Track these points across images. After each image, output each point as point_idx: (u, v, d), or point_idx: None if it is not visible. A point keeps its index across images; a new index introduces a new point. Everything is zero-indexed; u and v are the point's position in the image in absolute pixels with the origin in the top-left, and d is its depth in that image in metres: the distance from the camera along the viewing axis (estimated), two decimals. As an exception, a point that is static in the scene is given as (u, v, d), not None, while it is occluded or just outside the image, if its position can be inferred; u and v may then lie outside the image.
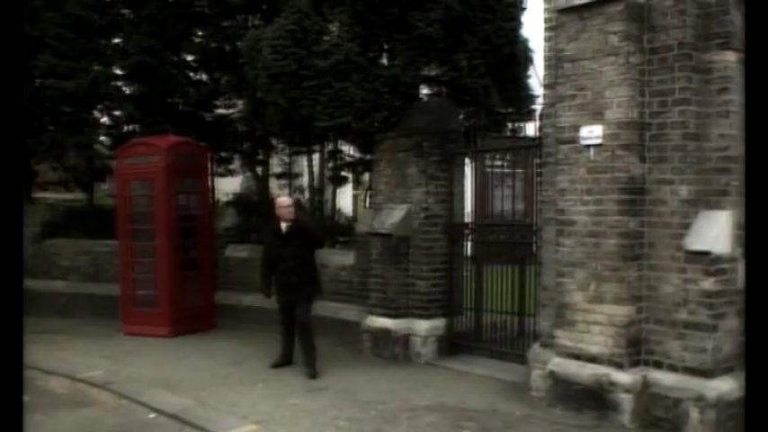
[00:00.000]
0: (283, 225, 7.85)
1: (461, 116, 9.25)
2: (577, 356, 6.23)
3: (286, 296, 7.89)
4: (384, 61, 8.98)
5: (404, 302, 8.60)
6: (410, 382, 7.46)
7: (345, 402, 6.67)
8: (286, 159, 13.72)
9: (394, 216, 8.60)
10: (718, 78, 5.80)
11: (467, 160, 8.94)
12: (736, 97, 5.77)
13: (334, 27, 8.73)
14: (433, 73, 9.26)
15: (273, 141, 12.56)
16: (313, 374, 7.55)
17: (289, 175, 13.72)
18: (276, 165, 13.83)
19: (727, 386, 5.69)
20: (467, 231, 8.73)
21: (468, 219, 8.91)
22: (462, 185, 8.89)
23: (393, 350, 8.51)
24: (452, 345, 8.57)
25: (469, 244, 8.93)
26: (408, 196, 8.60)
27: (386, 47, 8.94)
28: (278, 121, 9.18)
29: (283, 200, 8.14)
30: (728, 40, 5.75)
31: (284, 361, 8.02)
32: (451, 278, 8.67)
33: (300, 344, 7.84)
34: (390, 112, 8.50)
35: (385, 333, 8.58)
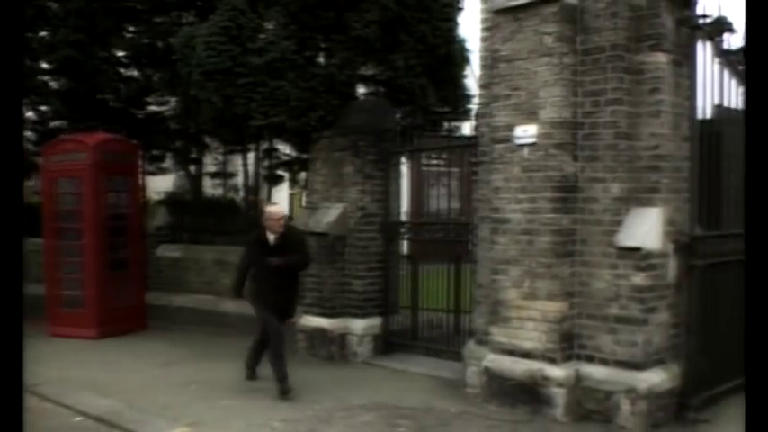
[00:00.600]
0: (271, 237, 7.06)
1: (398, 115, 9.28)
2: (512, 352, 6.31)
3: (268, 311, 7.04)
4: (321, 60, 8.94)
5: (340, 302, 8.58)
6: (346, 381, 7.44)
7: (280, 402, 6.61)
8: (220, 158, 13.54)
9: (330, 215, 8.56)
10: (649, 79, 5.95)
11: (403, 159, 8.98)
12: (666, 97, 5.94)
13: (270, 25, 8.65)
14: (370, 72, 9.27)
15: (207, 140, 12.40)
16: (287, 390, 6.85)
17: (223, 174, 13.54)
18: (210, 163, 13.63)
19: (657, 378, 5.84)
20: (403, 230, 8.76)
21: (404, 218, 8.94)
22: (398, 184, 8.92)
23: (329, 350, 8.47)
24: (389, 343, 8.58)
25: (406, 243, 8.97)
26: (344, 195, 8.58)
27: (322, 46, 8.91)
28: (211, 119, 9.05)
29: (274, 211, 7.20)
30: (659, 41, 5.92)
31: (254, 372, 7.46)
32: (387, 277, 8.68)
33: (270, 357, 7.09)
34: (326, 112, 8.47)
35: (321, 332, 8.53)
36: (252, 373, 7.42)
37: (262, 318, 7.12)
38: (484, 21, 6.82)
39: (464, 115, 9.75)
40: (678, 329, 6.12)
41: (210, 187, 13.49)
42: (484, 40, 6.86)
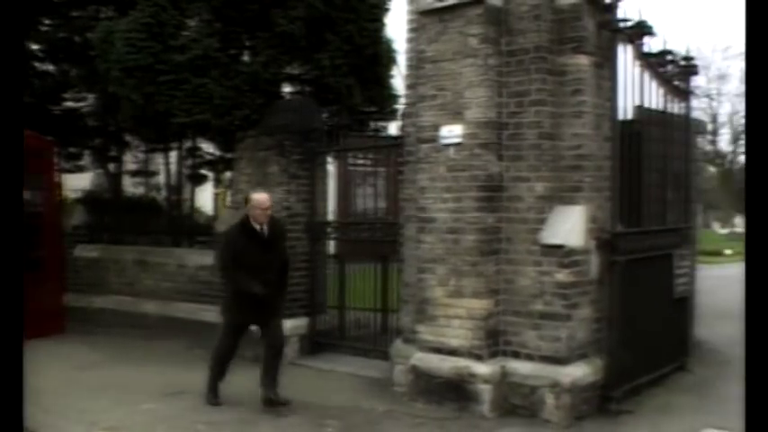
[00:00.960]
0: (257, 226, 6.37)
1: (324, 115, 9.24)
2: (438, 350, 6.36)
3: (257, 314, 6.40)
4: (245, 58, 8.83)
5: (265, 302, 8.47)
6: (272, 382, 7.36)
7: (204, 406, 6.49)
8: (141, 156, 13.20)
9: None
10: (571, 80, 6.10)
11: (329, 159, 8.95)
12: (588, 98, 6.09)
13: (193, 22, 8.50)
14: (296, 71, 9.20)
15: (128, 137, 12.06)
16: (276, 397, 6.41)
17: (144, 173, 13.21)
18: (131, 162, 13.27)
19: (580, 372, 5.99)
20: (329, 230, 8.72)
21: (330, 217, 8.90)
22: (325, 184, 8.88)
23: (254, 351, 8.34)
24: (316, 344, 8.54)
25: (333, 243, 8.93)
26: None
27: (247, 44, 8.80)
28: (132, 117, 8.85)
29: (263, 199, 6.43)
30: (581, 44, 6.07)
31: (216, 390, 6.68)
32: (314, 277, 8.63)
33: (268, 366, 6.46)
34: (251, 110, 8.37)
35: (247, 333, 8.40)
36: (275, 393, 6.44)
37: (231, 325, 6.57)
38: (410, 22, 6.85)
39: (391, 115, 9.77)
40: (600, 324, 6.29)
41: (131, 186, 13.14)
42: (410, 40, 6.90)
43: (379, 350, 7.81)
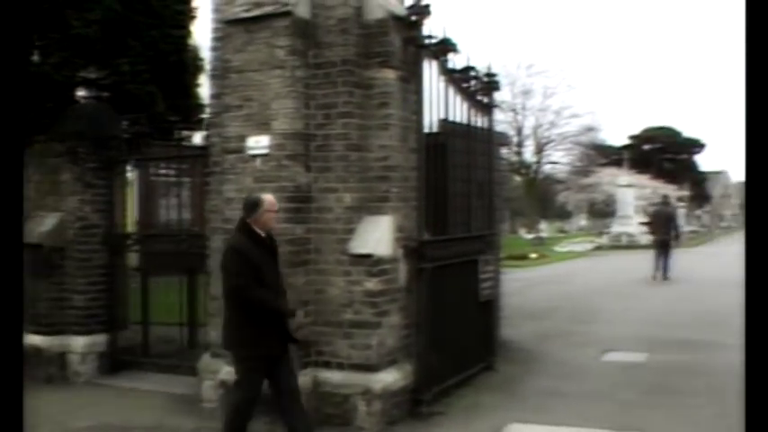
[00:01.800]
0: (263, 234, 5.29)
1: (125, 122, 8.83)
2: (250, 364, 6.26)
3: (283, 343, 5.27)
4: (35, 58, 8.25)
5: (58, 318, 8.00)
6: (67, 403, 6.94)
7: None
8: None
9: (44, 225, 7.96)
10: (378, 94, 6.24)
11: (130, 168, 8.55)
12: (395, 111, 6.27)
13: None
14: (93, 76, 8.73)
15: None
16: None
17: None
18: None
19: (391, 378, 6.14)
20: (130, 242, 8.34)
21: (132, 229, 8.52)
22: (125, 194, 8.48)
23: (47, 370, 7.84)
24: (117, 361, 8.14)
25: (137, 255, 8.55)
26: (62, 204, 8.02)
27: (38, 44, 8.22)
28: None
29: (274, 200, 5.39)
30: (388, 58, 6.24)
31: None
32: (113, 291, 8.23)
33: (298, 419, 5.27)
34: (41, 114, 7.82)
35: (36, 352, 7.87)
36: None
37: (256, 360, 5.17)
38: (215, 30, 6.74)
39: (197, 124, 9.53)
40: (409, 330, 6.48)
41: None
42: (215, 49, 6.78)
43: (188, 366, 7.55)
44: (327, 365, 6.23)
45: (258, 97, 6.19)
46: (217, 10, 6.65)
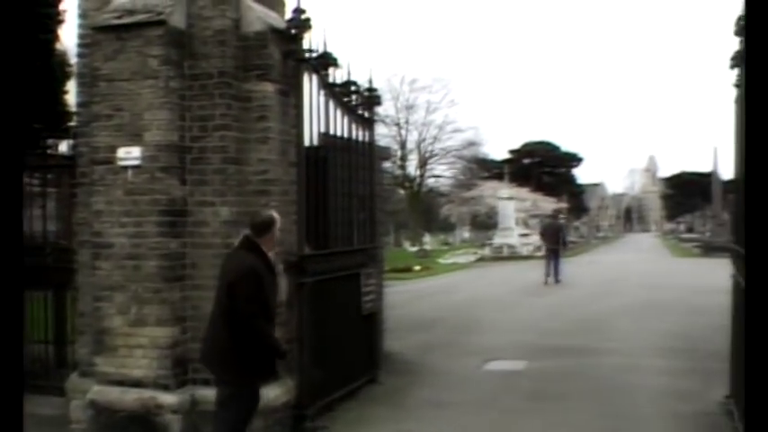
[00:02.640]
0: (271, 258, 5.07)
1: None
2: (121, 382, 6.04)
3: (264, 380, 5.23)
4: None
5: None
6: None
7: None
8: None
9: None
10: (257, 107, 6.16)
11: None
12: (274, 125, 6.20)
13: None
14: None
15: None
16: None
17: None
18: None
19: (272, 393, 6.00)
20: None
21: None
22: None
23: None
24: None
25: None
26: None
27: None
28: None
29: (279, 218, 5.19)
30: (267, 72, 6.17)
31: None
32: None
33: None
34: None
35: None
36: None
37: (251, 388, 5.07)
38: (82, 36, 6.51)
39: (65, 133, 9.12)
40: (291, 345, 6.37)
41: None
42: (82, 56, 6.55)
43: (54, 386, 7.16)
44: (206, 383, 6.04)
45: (130, 107, 5.99)
46: (84, 15, 6.41)
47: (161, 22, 5.91)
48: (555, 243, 20.52)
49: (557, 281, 19.74)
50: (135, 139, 5.97)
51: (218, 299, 5.01)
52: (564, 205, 52.57)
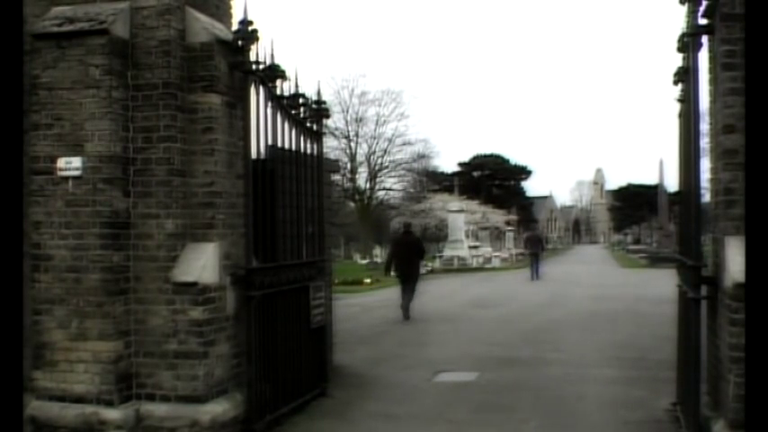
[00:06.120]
0: None
1: None
2: (61, 398, 5.91)
3: None
4: None
5: None
6: None
7: None
8: None
9: None
10: (202, 118, 6.09)
11: None
12: (220, 137, 6.14)
13: None
14: None
15: None
16: None
17: None
18: None
19: (220, 408, 5.94)
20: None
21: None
22: None
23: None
24: None
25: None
26: None
27: None
28: None
29: None
30: (213, 83, 6.11)
31: None
32: None
33: None
34: None
35: None
36: None
37: None
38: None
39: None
40: (240, 359, 6.31)
41: None
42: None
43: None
44: (151, 398, 5.96)
45: (70, 117, 5.87)
46: (23, 21, 6.24)
47: (103, 32, 5.81)
48: (537, 249, 28.52)
49: (537, 277, 26.82)
50: (76, 149, 5.85)
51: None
52: (513, 217, 53.14)
